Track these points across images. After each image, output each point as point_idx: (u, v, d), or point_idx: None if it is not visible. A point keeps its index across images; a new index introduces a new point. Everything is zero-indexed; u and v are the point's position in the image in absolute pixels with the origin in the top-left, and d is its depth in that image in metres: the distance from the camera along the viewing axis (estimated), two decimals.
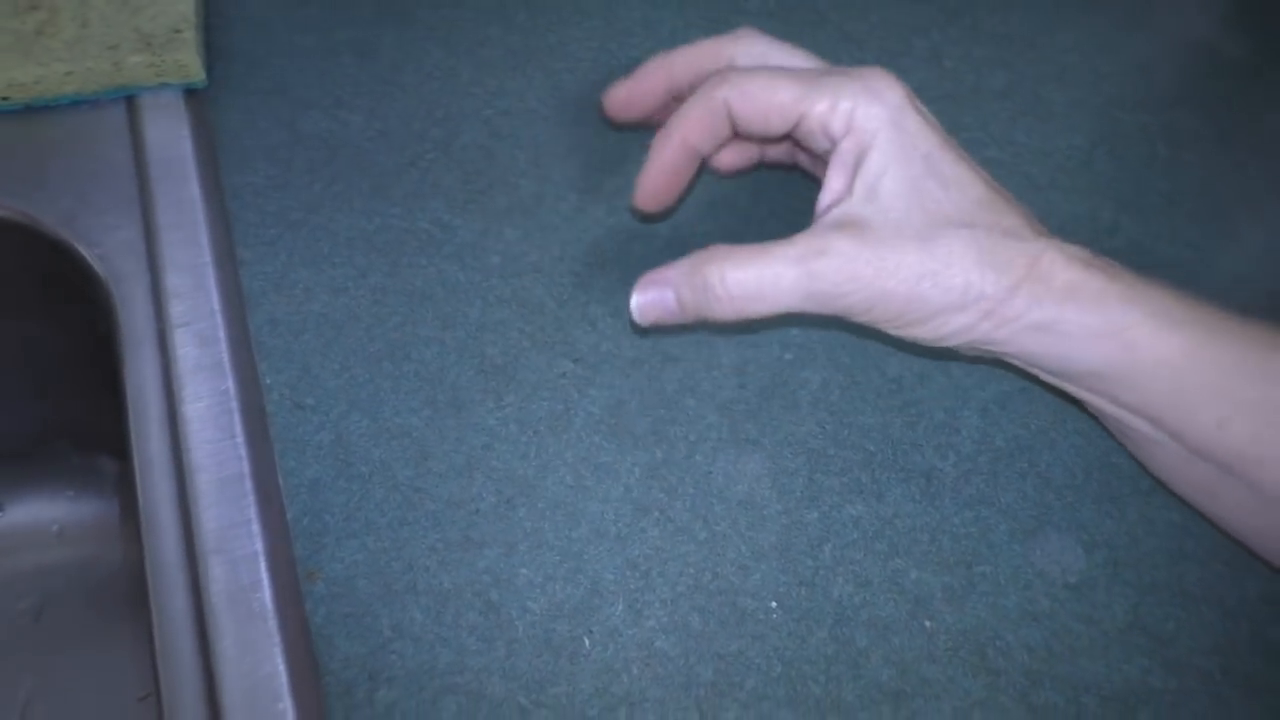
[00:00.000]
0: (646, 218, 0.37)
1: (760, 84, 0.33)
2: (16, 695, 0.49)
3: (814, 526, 0.36)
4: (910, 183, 0.31)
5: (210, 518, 0.33)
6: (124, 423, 0.35)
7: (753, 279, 0.31)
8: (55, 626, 0.51)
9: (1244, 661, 0.34)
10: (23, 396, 0.50)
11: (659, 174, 0.36)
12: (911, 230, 0.31)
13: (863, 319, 0.33)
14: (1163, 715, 0.33)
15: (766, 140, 0.35)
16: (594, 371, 0.39)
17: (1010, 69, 0.51)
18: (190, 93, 0.45)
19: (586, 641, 0.33)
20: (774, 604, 0.34)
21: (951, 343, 0.33)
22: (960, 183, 0.32)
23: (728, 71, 0.34)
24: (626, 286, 0.40)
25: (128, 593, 0.52)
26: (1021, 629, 0.34)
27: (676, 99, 0.37)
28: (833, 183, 0.33)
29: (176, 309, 0.38)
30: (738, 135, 0.36)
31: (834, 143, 0.33)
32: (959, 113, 0.49)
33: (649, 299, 0.34)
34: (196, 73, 0.44)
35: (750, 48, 0.36)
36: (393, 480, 0.35)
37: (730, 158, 0.40)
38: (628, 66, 0.48)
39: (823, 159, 0.34)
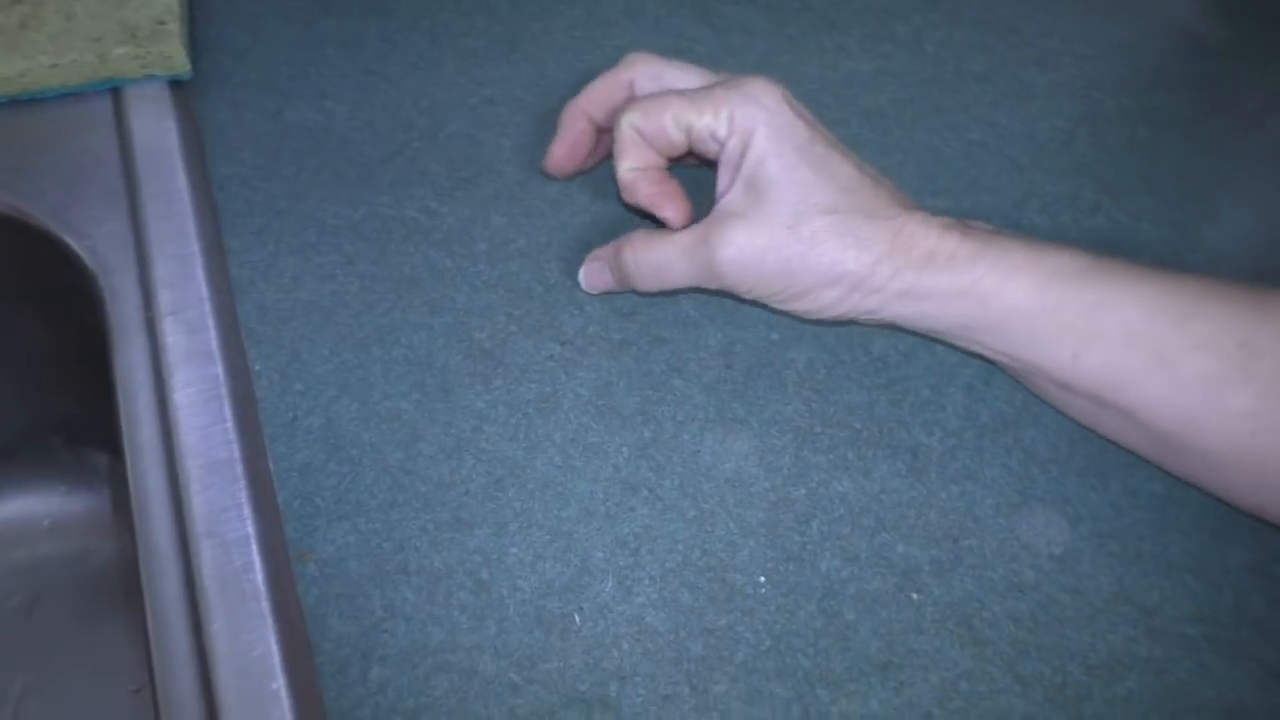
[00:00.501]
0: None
1: (654, 103, 0.37)
2: (9, 691, 0.49)
3: (801, 503, 0.36)
4: (785, 173, 0.35)
5: (201, 502, 0.33)
6: (114, 411, 0.36)
7: (655, 262, 0.37)
8: (47, 621, 0.51)
9: (1227, 629, 0.35)
10: (12, 391, 0.50)
11: (666, 201, 0.38)
12: (783, 216, 0.34)
13: (747, 295, 0.36)
14: (1148, 683, 0.33)
15: (675, 156, 0.38)
16: (581, 354, 0.39)
17: (991, 53, 0.52)
18: (176, 85, 0.45)
19: (577, 618, 0.33)
20: (762, 579, 0.34)
21: (828, 315, 0.36)
22: (830, 170, 0.35)
23: (628, 102, 0.38)
24: None
25: (119, 586, 0.52)
26: (1008, 600, 0.35)
27: (603, 132, 0.42)
28: (721, 179, 0.37)
29: (165, 298, 0.38)
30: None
31: (721, 145, 0.36)
32: (941, 96, 0.49)
33: (591, 270, 0.40)
34: (182, 65, 0.44)
35: (646, 69, 0.39)
36: (383, 463, 0.35)
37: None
38: (611, 54, 0.49)
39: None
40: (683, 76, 0.38)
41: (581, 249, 0.41)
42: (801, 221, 0.34)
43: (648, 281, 0.37)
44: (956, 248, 0.34)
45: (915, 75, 0.50)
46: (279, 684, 0.30)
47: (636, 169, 0.38)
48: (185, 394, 0.35)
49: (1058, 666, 0.33)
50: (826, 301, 0.35)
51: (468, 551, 0.34)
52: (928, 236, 0.34)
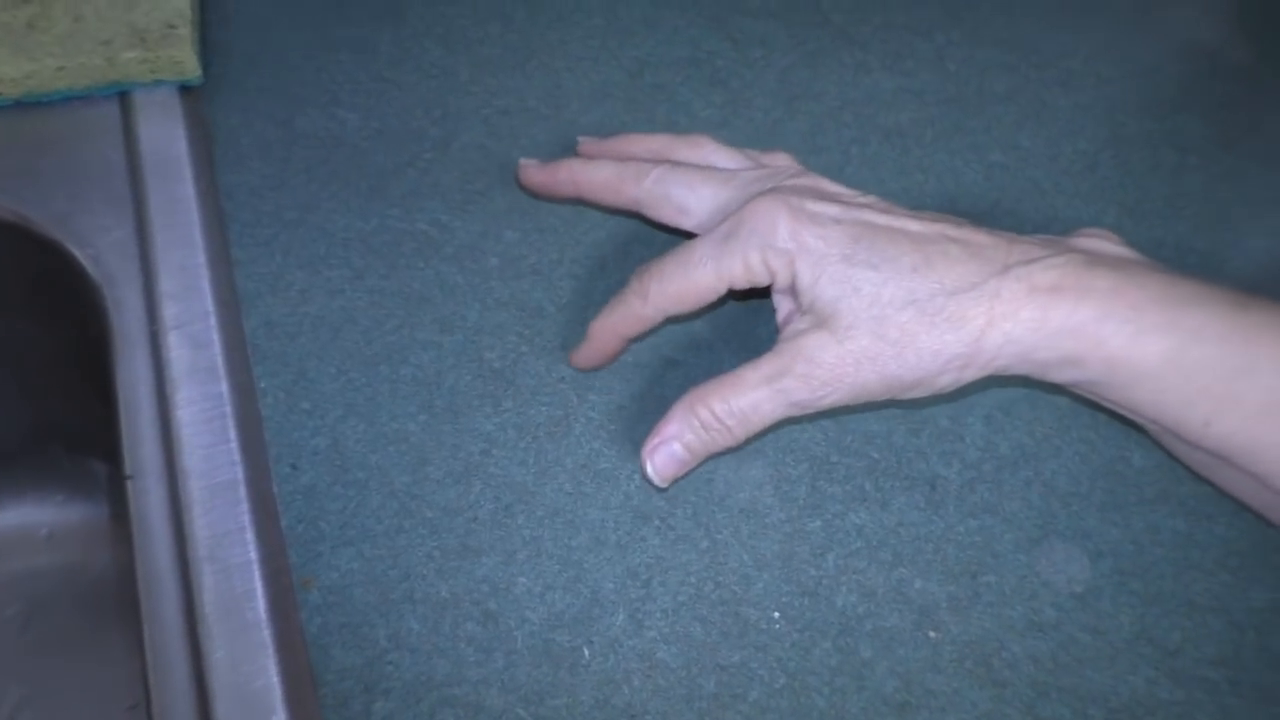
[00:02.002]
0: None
1: (676, 284, 0.34)
2: (4, 703, 0.49)
3: (817, 535, 0.35)
4: (842, 283, 0.32)
5: (203, 525, 0.32)
6: (115, 421, 0.35)
7: (742, 407, 0.33)
8: (43, 633, 0.50)
9: (1250, 672, 0.34)
10: (12, 399, 0.49)
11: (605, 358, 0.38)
12: (861, 322, 0.32)
13: (862, 404, 0.34)
14: None
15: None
16: (593, 376, 0.38)
17: (1014, 72, 0.51)
18: (185, 90, 0.44)
19: (586, 652, 0.32)
20: (777, 614, 0.34)
21: (952, 390, 0.33)
22: (888, 257, 0.32)
23: (645, 281, 0.35)
24: None
25: (117, 598, 0.51)
26: (1027, 639, 0.34)
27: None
28: (781, 306, 0.35)
29: (170, 311, 0.37)
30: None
31: (769, 279, 0.34)
32: (963, 116, 0.48)
33: (661, 459, 0.34)
34: (192, 69, 0.43)
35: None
36: (390, 487, 0.35)
37: None
38: (629, 66, 0.48)
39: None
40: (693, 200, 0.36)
41: (594, 267, 0.41)
42: (884, 324, 0.31)
43: (737, 432, 0.34)
44: (1073, 309, 0.31)
45: (937, 94, 0.49)
46: (280, 718, 0.29)
47: (624, 339, 0.37)
48: (189, 412, 0.35)
49: (1078, 710, 0.33)
50: (944, 384, 0.32)
51: (475, 580, 0.33)
52: (1030, 300, 0.31)
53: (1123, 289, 0.31)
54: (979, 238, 0.33)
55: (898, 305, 0.31)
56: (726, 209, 0.35)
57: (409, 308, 0.39)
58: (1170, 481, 0.38)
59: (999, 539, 0.36)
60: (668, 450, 0.34)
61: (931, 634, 0.34)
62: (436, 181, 0.43)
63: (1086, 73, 0.51)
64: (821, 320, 0.32)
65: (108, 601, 0.51)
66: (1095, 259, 0.32)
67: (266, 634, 0.30)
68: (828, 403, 0.33)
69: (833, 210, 0.33)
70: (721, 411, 0.33)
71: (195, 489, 0.33)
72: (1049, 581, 0.35)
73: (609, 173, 0.38)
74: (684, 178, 0.36)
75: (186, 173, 0.41)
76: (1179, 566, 0.36)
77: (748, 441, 0.34)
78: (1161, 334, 0.30)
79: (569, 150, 0.44)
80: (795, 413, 0.33)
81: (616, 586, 0.34)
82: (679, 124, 0.46)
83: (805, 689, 0.32)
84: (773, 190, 0.34)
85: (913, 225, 0.33)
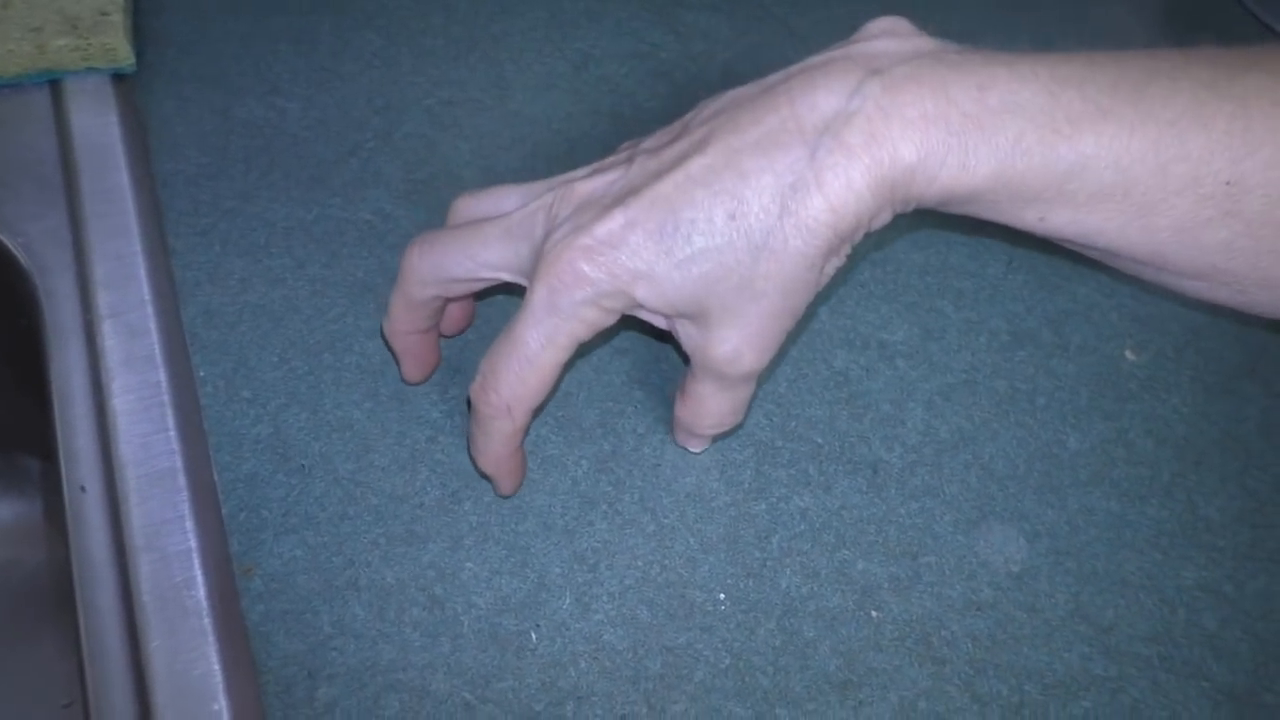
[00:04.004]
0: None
1: (529, 383, 0.31)
2: None
3: (762, 518, 0.36)
4: (685, 279, 0.30)
5: (140, 514, 0.32)
6: (48, 415, 0.34)
7: (719, 418, 0.34)
8: None
9: (1181, 648, 0.35)
10: None
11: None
12: (734, 300, 0.30)
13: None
14: (1103, 703, 0.33)
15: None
16: None
17: None
18: (119, 78, 0.43)
19: (533, 636, 0.32)
20: (722, 596, 0.34)
21: (842, 263, 0.32)
22: (700, 228, 0.29)
23: (498, 398, 0.31)
24: None
25: (50, 596, 0.50)
26: (966, 618, 0.35)
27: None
28: (653, 319, 0.33)
29: (104, 300, 0.37)
30: None
31: (617, 317, 0.32)
32: None
33: (688, 441, 0.37)
34: (125, 57, 0.43)
35: (432, 272, 0.33)
36: (334, 474, 0.34)
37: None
38: (573, 57, 0.48)
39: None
40: (481, 252, 0.32)
41: None
42: (751, 287, 0.30)
43: (738, 422, 0.35)
44: (895, 154, 0.28)
45: None
46: (220, 705, 0.29)
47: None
48: (125, 400, 0.34)
49: (1015, 686, 0.33)
50: (831, 270, 0.31)
51: (421, 566, 0.33)
52: (854, 161, 0.29)
53: (936, 112, 0.29)
54: (760, 121, 0.30)
55: (748, 263, 0.29)
56: (519, 254, 0.32)
57: (352, 296, 0.39)
58: (1104, 464, 0.39)
59: (939, 521, 0.37)
60: (688, 440, 0.37)
61: (873, 613, 0.34)
62: (379, 171, 0.43)
63: None
64: (702, 319, 0.31)
65: (41, 598, 0.50)
66: (891, 81, 0.29)
67: (206, 621, 0.30)
68: (771, 356, 0.32)
69: (617, 218, 0.30)
70: (713, 426, 0.35)
71: (132, 478, 0.32)
72: (987, 561, 0.36)
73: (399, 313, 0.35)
74: (447, 252, 0.33)
75: (120, 161, 0.41)
76: (1112, 546, 0.37)
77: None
78: (984, 156, 0.29)
79: (513, 140, 0.44)
80: (755, 378, 0.33)
81: (564, 571, 0.34)
82: (624, 115, 0.46)
83: (750, 669, 0.33)
84: (550, 243, 0.30)
85: (693, 163, 0.30)
